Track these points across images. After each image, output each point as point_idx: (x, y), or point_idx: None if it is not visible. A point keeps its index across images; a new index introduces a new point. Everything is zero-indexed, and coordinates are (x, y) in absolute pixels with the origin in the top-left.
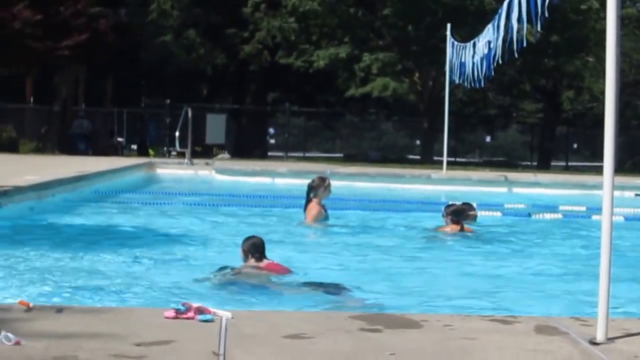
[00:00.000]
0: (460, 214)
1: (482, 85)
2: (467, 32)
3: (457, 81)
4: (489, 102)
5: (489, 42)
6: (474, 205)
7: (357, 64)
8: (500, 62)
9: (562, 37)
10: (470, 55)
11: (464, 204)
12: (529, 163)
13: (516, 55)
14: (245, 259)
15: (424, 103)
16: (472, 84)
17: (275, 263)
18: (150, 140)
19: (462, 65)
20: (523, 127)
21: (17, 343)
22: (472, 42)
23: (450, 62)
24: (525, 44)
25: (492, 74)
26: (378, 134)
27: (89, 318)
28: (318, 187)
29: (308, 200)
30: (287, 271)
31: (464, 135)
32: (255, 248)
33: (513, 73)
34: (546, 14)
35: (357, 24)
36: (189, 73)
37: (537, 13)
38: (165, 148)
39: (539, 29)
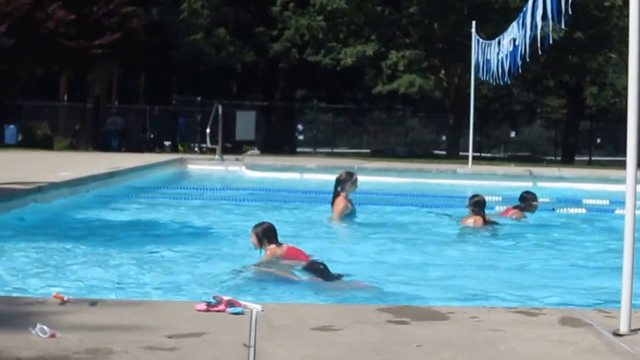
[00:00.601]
0: (482, 205)
1: (509, 82)
2: (492, 30)
3: (482, 78)
4: (513, 98)
5: (514, 40)
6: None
7: (384, 61)
8: (527, 59)
9: (586, 34)
10: (495, 53)
11: (527, 192)
12: (553, 158)
13: (540, 53)
14: (260, 244)
15: (450, 99)
16: (498, 81)
17: (294, 247)
18: (181, 137)
19: (488, 62)
20: (547, 123)
21: (52, 336)
22: (497, 39)
23: (476, 59)
24: (551, 41)
25: (519, 71)
26: (405, 129)
27: (122, 311)
28: (345, 181)
29: (335, 195)
30: (306, 258)
31: (489, 131)
32: (269, 233)
33: (537, 69)
34: (570, 12)
35: (383, 22)
36: (219, 70)
37: (560, 10)
38: (195, 144)
39: (562, 26)
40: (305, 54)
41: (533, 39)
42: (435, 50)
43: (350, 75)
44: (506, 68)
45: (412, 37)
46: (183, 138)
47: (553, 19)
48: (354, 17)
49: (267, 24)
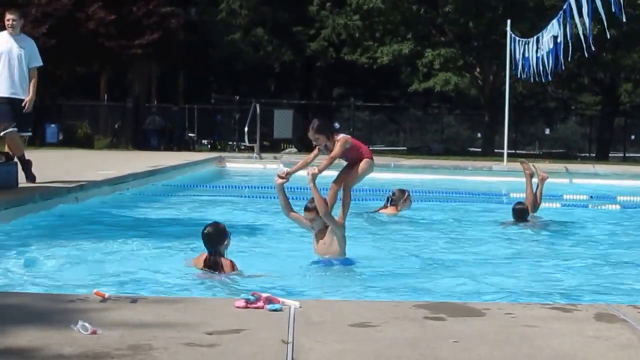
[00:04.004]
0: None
1: (550, 79)
2: (527, 28)
3: (523, 76)
4: (548, 95)
5: (555, 37)
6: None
7: (420, 59)
8: (586, 54)
9: (620, 31)
10: (534, 50)
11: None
12: (587, 154)
13: (592, 48)
14: (328, 138)
15: (485, 97)
16: (537, 78)
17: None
18: (219, 136)
19: (526, 60)
20: (582, 119)
21: (94, 332)
22: (535, 37)
23: (511, 57)
24: (608, 36)
25: (562, 67)
26: (440, 127)
27: (163, 308)
28: (398, 199)
29: (385, 206)
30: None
31: (524, 128)
32: (328, 125)
33: (572, 67)
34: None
35: (419, 20)
36: (257, 69)
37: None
38: (234, 142)
39: (624, 19)
40: (342, 52)
41: (577, 36)
42: (471, 48)
43: (386, 74)
44: (547, 65)
45: (447, 35)
46: (220, 136)
47: (601, 17)
48: (390, 16)
49: (304, 24)
